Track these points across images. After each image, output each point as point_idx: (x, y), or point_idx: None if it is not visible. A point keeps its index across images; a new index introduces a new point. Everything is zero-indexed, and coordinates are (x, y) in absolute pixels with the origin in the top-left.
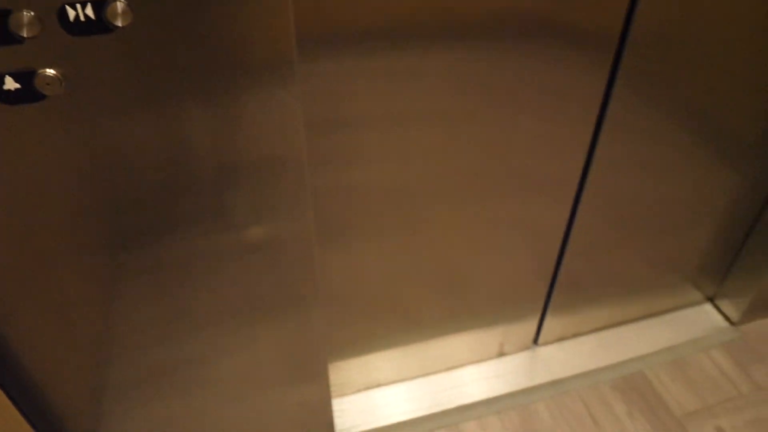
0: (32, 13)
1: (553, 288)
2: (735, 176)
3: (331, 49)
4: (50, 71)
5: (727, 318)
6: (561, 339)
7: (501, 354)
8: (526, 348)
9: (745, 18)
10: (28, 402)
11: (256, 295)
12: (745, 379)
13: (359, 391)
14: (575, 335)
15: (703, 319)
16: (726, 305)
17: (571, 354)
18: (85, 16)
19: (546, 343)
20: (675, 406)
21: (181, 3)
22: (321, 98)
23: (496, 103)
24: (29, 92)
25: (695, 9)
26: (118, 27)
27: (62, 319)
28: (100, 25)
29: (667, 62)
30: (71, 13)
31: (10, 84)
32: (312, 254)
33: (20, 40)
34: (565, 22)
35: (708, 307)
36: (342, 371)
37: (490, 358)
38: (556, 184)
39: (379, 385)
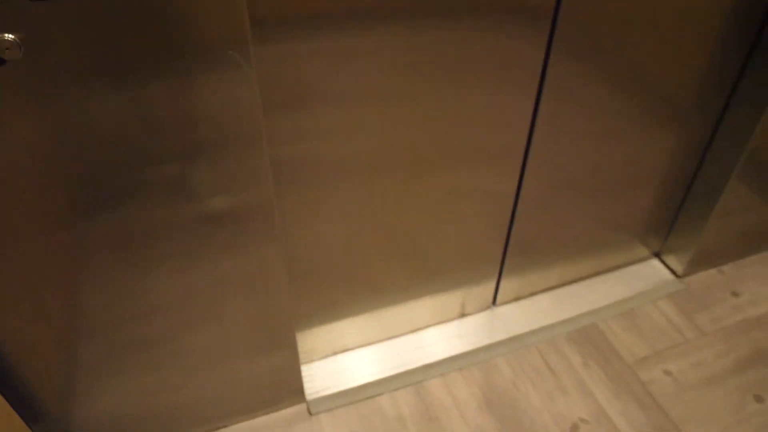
0: None
1: (506, 251)
2: (671, 138)
3: (289, 32)
4: (9, 36)
5: (672, 271)
6: (518, 298)
7: (462, 315)
8: (485, 308)
9: None
10: (5, 384)
11: (222, 267)
12: (690, 326)
13: (327, 356)
14: (531, 294)
15: (650, 273)
16: (671, 260)
17: (528, 311)
18: None
19: (504, 303)
20: (626, 353)
21: None
22: (282, 78)
23: (445, 79)
24: None
25: None
26: None
27: (32, 296)
28: None
29: (599, 30)
30: None
31: None
32: (274, 226)
33: None
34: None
35: (655, 262)
36: (309, 338)
37: (451, 319)
38: (504, 153)
39: (345, 350)
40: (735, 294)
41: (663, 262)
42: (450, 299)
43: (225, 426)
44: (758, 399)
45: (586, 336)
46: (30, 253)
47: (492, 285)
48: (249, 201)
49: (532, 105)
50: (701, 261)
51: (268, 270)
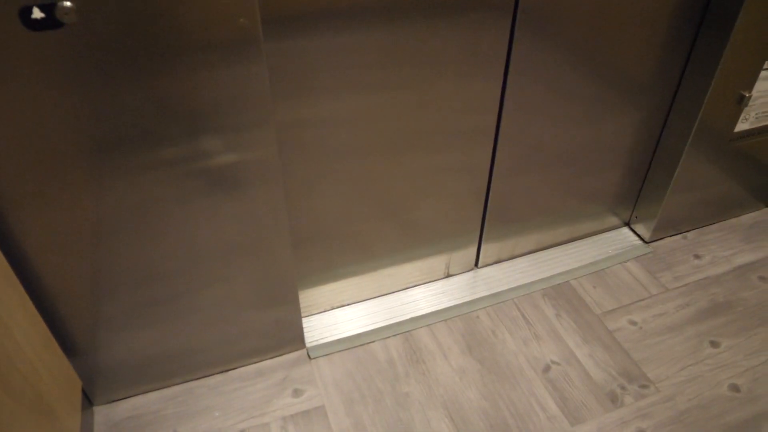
0: None
1: (485, 219)
2: (631, 115)
3: (291, 32)
4: (67, 3)
5: (640, 237)
6: (498, 261)
7: (447, 275)
8: (468, 269)
9: None
10: (52, 324)
11: (232, 231)
12: (654, 284)
13: (325, 310)
14: (511, 257)
15: (620, 239)
16: (639, 228)
17: (508, 272)
18: None
19: (486, 265)
20: (595, 306)
21: None
22: (287, 71)
23: (424, 69)
24: (51, 20)
25: None
26: None
27: (69, 258)
28: None
29: (557, 18)
30: None
31: (37, 13)
32: (280, 193)
33: None
34: None
35: (625, 230)
36: (309, 295)
37: (437, 278)
38: (477, 132)
39: (342, 305)
40: (697, 256)
41: (632, 230)
42: (436, 261)
43: (234, 368)
44: (714, 344)
45: (560, 292)
46: (58, 219)
47: (474, 249)
48: (258, 169)
49: (500, 88)
50: (666, 228)
51: (274, 235)
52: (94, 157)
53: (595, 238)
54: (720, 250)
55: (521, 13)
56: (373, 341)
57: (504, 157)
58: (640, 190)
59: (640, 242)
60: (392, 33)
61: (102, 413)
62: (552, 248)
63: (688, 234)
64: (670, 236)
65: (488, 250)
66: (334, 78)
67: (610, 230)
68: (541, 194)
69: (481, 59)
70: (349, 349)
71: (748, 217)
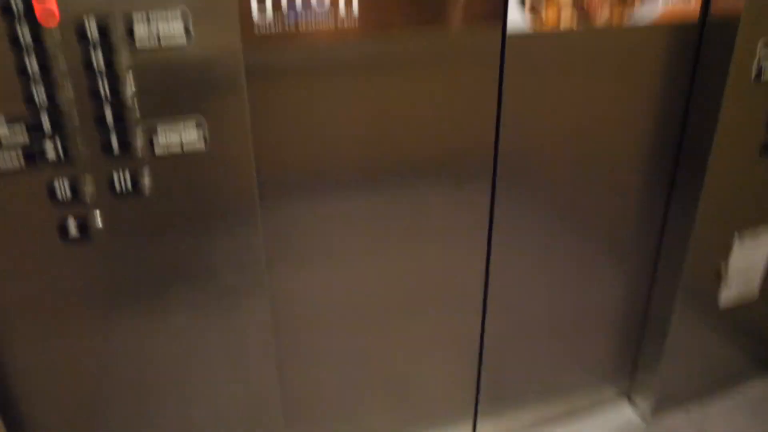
0: (92, 179)
1: (479, 394)
2: (619, 281)
3: (287, 202)
4: (98, 217)
5: (640, 412)
6: None
7: None
8: None
9: (592, 131)
10: None
11: (226, 406)
12: None
13: None
14: None
15: (619, 415)
16: (638, 399)
17: None
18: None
19: None
20: None
21: (180, 179)
22: (282, 238)
23: (411, 237)
24: (83, 232)
25: (548, 132)
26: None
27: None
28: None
29: (535, 184)
30: (117, 181)
31: (71, 225)
32: (273, 369)
33: (81, 198)
34: (451, 164)
35: (624, 403)
36: None
37: None
38: (464, 301)
39: None
40: None
41: (633, 402)
42: None
43: None
44: None
45: None
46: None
47: (469, 427)
48: (252, 339)
49: (485, 257)
50: (667, 401)
51: (266, 412)
52: (97, 313)
53: (592, 412)
54: (724, 426)
55: (500, 182)
56: None
57: (493, 328)
58: (636, 360)
59: (640, 419)
60: (378, 204)
61: None
62: (550, 423)
63: (691, 408)
64: (672, 411)
65: (484, 427)
66: (325, 247)
67: (608, 402)
68: (535, 366)
69: (464, 229)
70: None
71: (752, 389)
